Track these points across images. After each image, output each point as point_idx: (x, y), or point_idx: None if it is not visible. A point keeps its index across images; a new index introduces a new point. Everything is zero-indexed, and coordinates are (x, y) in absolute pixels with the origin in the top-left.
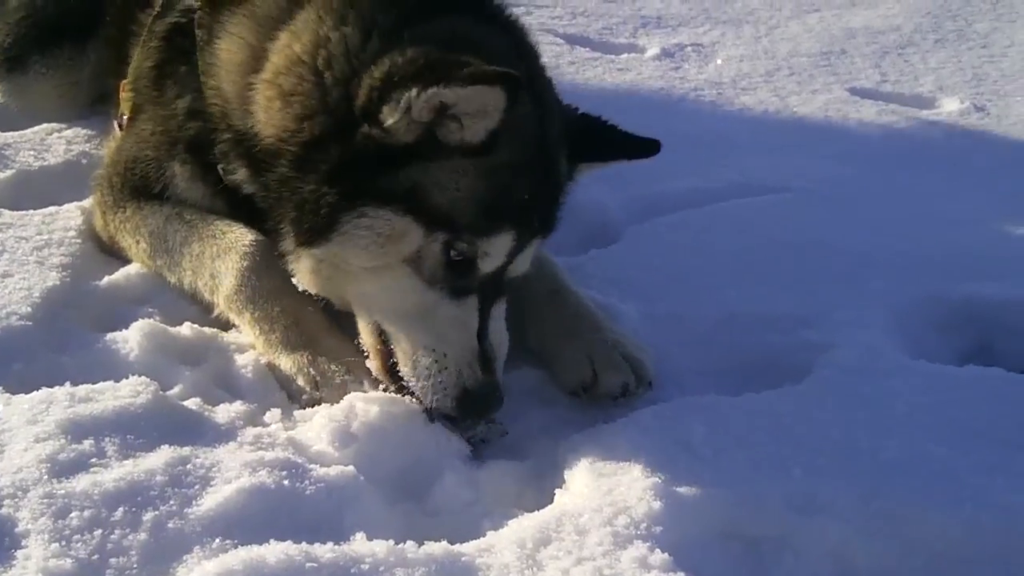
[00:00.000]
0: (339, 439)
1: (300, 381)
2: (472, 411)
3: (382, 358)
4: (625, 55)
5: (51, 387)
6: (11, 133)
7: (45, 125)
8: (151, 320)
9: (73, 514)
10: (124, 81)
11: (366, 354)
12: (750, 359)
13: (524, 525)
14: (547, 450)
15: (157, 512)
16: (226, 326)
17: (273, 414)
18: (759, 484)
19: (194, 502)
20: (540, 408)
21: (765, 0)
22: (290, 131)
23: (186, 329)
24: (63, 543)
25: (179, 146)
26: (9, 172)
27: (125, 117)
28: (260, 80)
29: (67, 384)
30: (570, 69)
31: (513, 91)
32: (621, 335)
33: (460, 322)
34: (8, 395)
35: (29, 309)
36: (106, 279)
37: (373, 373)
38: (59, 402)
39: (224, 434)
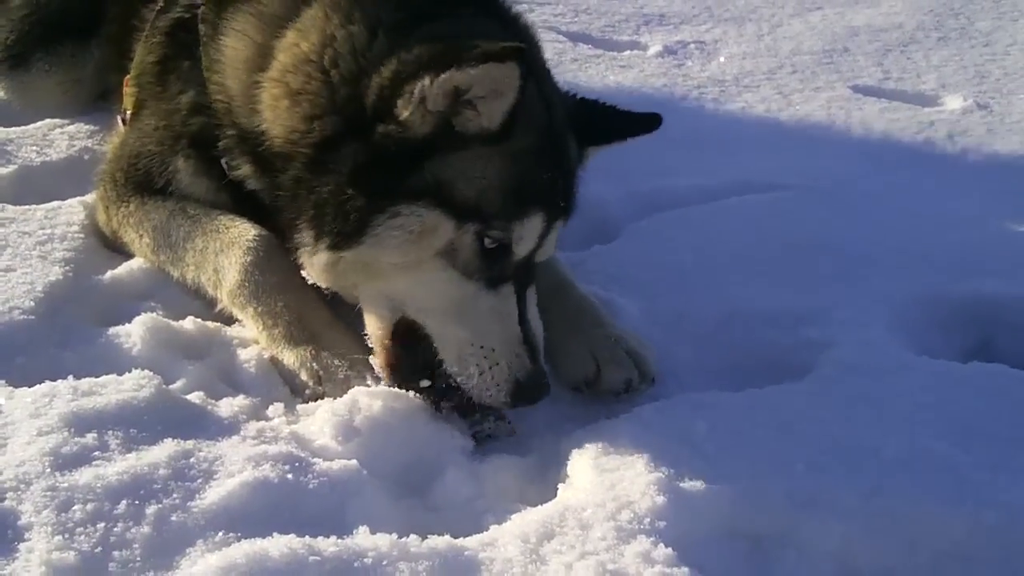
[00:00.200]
0: (342, 433)
1: (303, 376)
2: (524, 401)
3: (387, 354)
4: (627, 52)
5: (54, 381)
6: (13, 128)
7: (47, 120)
8: (154, 314)
9: (76, 507)
10: (127, 77)
11: (374, 347)
12: (752, 356)
13: (527, 519)
14: (550, 445)
15: (160, 505)
16: (229, 321)
17: (276, 408)
18: (762, 480)
19: (197, 496)
20: (543, 403)
21: None
22: (299, 132)
23: (189, 324)
24: (66, 536)
25: (182, 141)
26: (12, 167)
27: (128, 113)
28: (266, 78)
29: (70, 378)
30: (572, 66)
31: (524, 65)
32: (623, 330)
33: (502, 313)
34: (11, 389)
35: (32, 303)
36: (109, 274)
37: (376, 369)
38: (62, 396)
39: (227, 428)
